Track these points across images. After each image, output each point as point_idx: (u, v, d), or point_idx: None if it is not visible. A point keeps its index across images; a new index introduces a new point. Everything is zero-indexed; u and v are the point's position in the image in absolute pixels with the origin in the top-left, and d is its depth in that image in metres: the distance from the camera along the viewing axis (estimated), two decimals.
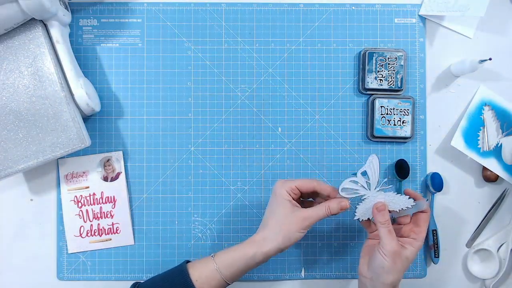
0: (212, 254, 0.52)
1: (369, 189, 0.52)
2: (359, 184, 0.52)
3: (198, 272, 0.50)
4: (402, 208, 0.52)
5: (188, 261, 0.53)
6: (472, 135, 0.64)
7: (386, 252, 0.48)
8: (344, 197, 0.51)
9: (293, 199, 0.52)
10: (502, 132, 0.64)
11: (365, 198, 0.52)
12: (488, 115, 0.65)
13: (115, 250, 0.63)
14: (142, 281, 0.53)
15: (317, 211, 0.50)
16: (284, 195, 0.51)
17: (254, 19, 0.65)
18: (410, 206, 0.51)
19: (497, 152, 0.64)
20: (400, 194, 0.52)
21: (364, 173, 0.53)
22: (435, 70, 0.66)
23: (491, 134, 0.64)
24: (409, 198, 0.51)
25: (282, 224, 0.50)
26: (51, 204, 0.63)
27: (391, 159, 0.64)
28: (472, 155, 0.63)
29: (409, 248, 0.49)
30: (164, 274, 0.52)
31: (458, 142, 0.63)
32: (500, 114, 0.65)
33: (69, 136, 0.56)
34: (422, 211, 0.52)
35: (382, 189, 0.52)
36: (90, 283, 0.63)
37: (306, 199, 0.57)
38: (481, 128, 0.64)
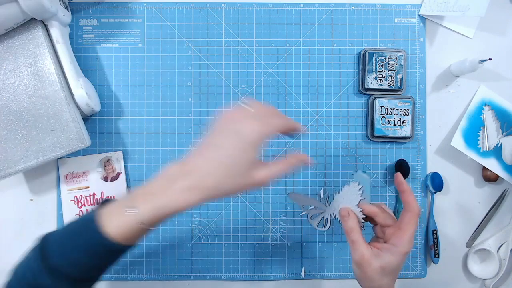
0: (129, 203, 0.39)
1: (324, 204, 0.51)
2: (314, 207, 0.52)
3: (118, 228, 0.39)
4: (360, 200, 0.47)
5: (98, 207, 0.41)
6: (472, 135, 0.64)
7: (353, 261, 0.44)
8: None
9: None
10: (502, 132, 0.64)
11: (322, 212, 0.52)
12: (488, 115, 0.65)
13: None
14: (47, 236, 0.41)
15: (278, 170, 0.41)
16: (258, 143, 0.39)
17: (254, 19, 0.65)
18: (360, 195, 0.47)
19: (497, 152, 0.64)
20: (348, 185, 0.48)
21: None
22: (435, 70, 0.66)
23: (491, 134, 0.64)
24: (359, 186, 0.47)
25: (237, 180, 0.38)
26: (51, 204, 0.63)
27: (391, 159, 0.64)
28: (472, 155, 0.63)
29: (385, 256, 0.43)
30: (74, 230, 0.40)
31: (458, 142, 0.63)
32: (500, 114, 0.65)
33: (69, 136, 0.56)
34: (408, 212, 0.45)
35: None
36: None
37: None
38: (481, 128, 0.64)
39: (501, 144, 0.64)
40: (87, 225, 0.40)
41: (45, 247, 0.40)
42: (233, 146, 0.38)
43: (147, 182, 0.40)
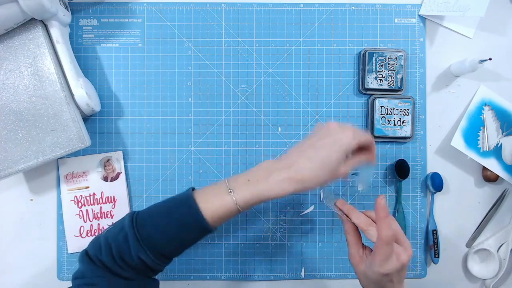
0: (228, 186, 0.45)
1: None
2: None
3: (213, 208, 0.44)
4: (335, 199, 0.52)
5: (193, 189, 0.47)
6: (472, 135, 0.64)
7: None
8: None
9: None
10: (502, 132, 0.64)
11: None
12: (488, 115, 0.65)
13: None
14: (139, 212, 0.47)
15: (354, 163, 0.48)
16: (349, 150, 0.46)
17: (254, 19, 0.65)
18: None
19: (497, 152, 0.64)
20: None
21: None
22: (435, 70, 0.66)
23: (491, 134, 0.64)
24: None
25: (329, 176, 0.45)
26: (51, 204, 0.63)
27: (391, 159, 0.64)
28: (472, 155, 0.63)
29: (365, 266, 0.45)
30: (167, 206, 0.46)
31: (458, 142, 0.63)
32: (500, 114, 0.65)
33: (69, 136, 0.56)
34: (378, 239, 0.43)
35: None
36: None
37: None
38: (481, 128, 0.64)
39: (501, 144, 0.64)
40: (184, 202, 0.45)
41: (138, 218, 0.45)
42: (332, 149, 0.45)
43: (243, 173, 0.47)
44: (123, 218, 0.46)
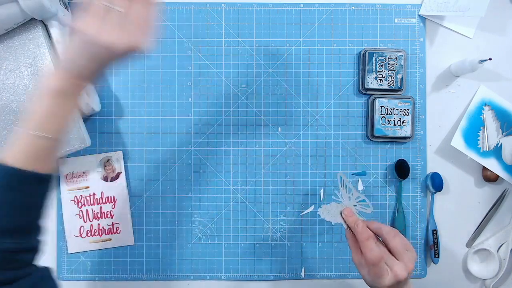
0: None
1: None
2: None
3: (13, 152, 0.37)
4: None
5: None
6: (472, 135, 0.64)
7: None
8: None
9: None
10: (502, 132, 0.64)
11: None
12: (488, 115, 0.65)
13: (115, 250, 0.63)
14: None
15: None
16: None
17: (254, 19, 0.65)
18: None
19: (497, 152, 0.64)
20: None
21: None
22: (435, 70, 0.66)
23: (491, 134, 0.64)
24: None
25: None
26: (51, 204, 0.63)
27: (391, 159, 0.64)
28: (472, 155, 0.63)
29: (363, 272, 0.46)
30: None
31: (458, 142, 0.63)
32: (500, 114, 0.65)
33: (69, 136, 0.56)
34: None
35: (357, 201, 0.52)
36: (90, 283, 0.63)
37: None
38: (481, 128, 0.64)
39: (501, 144, 0.64)
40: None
41: None
42: None
43: None
44: None
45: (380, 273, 0.43)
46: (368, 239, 0.44)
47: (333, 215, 0.52)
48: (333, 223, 0.54)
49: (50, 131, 0.38)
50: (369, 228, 0.47)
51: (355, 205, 0.52)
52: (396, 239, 0.45)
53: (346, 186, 0.53)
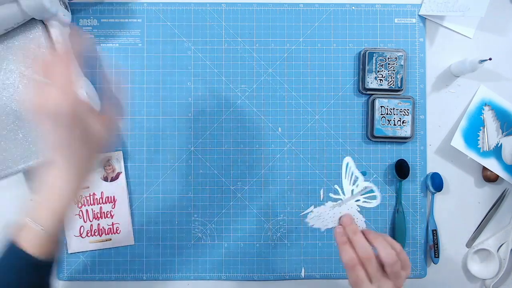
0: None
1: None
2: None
3: (20, 234, 0.41)
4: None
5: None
6: (472, 135, 0.64)
7: None
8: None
9: None
10: (502, 132, 0.64)
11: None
12: (488, 115, 0.65)
13: (115, 250, 0.63)
14: None
15: None
16: None
17: (254, 19, 0.65)
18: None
19: (497, 152, 0.64)
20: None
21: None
22: (435, 70, 0.66)
23: (491, 134, 0.64)
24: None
25: None
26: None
27: (391, 159, 0.64)
28: (472, 155, 0.63)
29: None
30: None
31: (458, 142, 0.63)
32: (500, 114, 0.65)
33: None
34: None
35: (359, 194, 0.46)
36: (90, 283, 0.63)
37: None
38: (481, 128, 0.64)
39: (501, 144, 0.64)
40: (6, 245, 0.42)
41: None
42: None
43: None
44: None
45: (356, 279, 0.43)
46: (345, 243, 0.44)
47: (324, 220, 0.47)
48: (322, 229, 0.49)
49: (50, 226, 0.42)
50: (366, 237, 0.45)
51: (357, 200, 0.46)
52: (386, 250, 0.42)
53: (352, 175, 0.45)
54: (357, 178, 0.45)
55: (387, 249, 0.42)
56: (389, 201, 0.64)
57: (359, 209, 0.46)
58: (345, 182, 0.46)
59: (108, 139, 0.45)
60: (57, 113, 0.40)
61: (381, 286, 0.42)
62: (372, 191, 0.45)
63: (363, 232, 0.45)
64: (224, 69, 0.64)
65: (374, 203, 0.45)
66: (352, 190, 0.46)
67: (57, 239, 0.44)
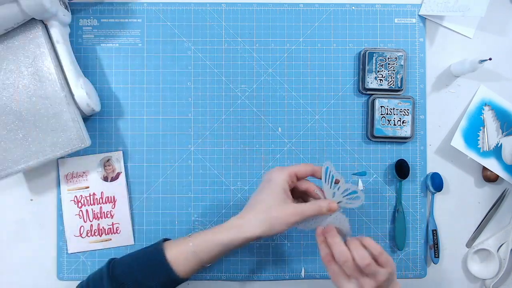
0: (189, 234, 0.50)
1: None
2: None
3: (174, 252, 0.49)
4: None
5: (166, 239, 0.52)
6: (472, 135, 0.64)
7: None
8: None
9: (289, 188, 0.50)
10: (502, 132, 0.64)
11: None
12: (488, 115, 0.65)
13: (115, 250, 0.63)
14: (117, 258, 0.51)
15: (308, 209, 0.48)
16: (281, 183, 0.48)
17: (254, 19, 0.65)
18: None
19: (497, 152, 0.64)
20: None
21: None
22: (435, 70, 0.66)
23: (491, 134, 0.64)
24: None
25: (271, 213, 0.47)
26: (51, 204, 0.63)
27: (391, 159, 0.64)
28: (472, 155, 0.63)
29: None
30: (141, 251, 0.51)
31: (458, 142, 0.63)
32: (500, 114, 0.65)
33: (69, 136, 0.56)
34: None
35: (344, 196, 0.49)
36: None
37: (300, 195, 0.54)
38: (481, 128, 0.64)
39: (501, 144, 0.64)
40: (153, 248, 0.50)
41: (113, 262, 0.50)
42: (266, 191, 0.49)
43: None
44: (104, 266, 0.50)
45: (337, 274, 0.47)
46: (321, 242, 0.48)
47: (307, 222, 0.50)
48: (306, 230, 0.53)
49: (206, 261, 0.49)
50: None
51: (340, 202, 0.49)
52: (358, 252, 0.45)
53: (332, 178, 0.49)
54: (338, 181, 0.49)
55: (360, 251, 0.45)
56: (389, 201, 0.64)
57: (341, 210, 0.49)
58: (326, 186, 0.49)
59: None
60: None
61: (361, 283, 0.45)
62: (354, 191, 0.48)
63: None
64: (224, 69, 0.64)
65: (357, 203, 0.49)
66: (334, 193, 0.49)
67: (202, 268, 0.50)
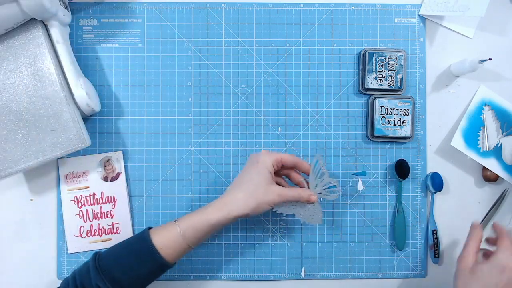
0: (175, 219, 0.51)
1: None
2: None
3: (161, 238, 0.50)
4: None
5: (150, 228, 0.53)
6: (472, 135, 0.64)
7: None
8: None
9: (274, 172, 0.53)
10: (502, 132, 0.64)
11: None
12: (488, 115, 0.65)
13: None
14: (102, 250, 0.52)
15: (291, 193, 0.52)
16: (268, 165, 0.51)
17: (254, 19, 0.65)
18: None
19: (497, 152, 0.64)
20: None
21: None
22: (435, 70, 0.66)
23: (491, 134, 0.64)
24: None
25: (257, 191, 0.50)
26: (51, 204, 0.63)
27: (391, 159, 0.64)
28: (472, 155, 0.63)
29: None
30: (127, 241, 0.52)
31: (458, 142, 0.63)
32: (500, 114, 0.65)
33: (69, 136, 0.56)
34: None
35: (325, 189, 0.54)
36: None
37: (281, 176, 0.57)
38: (481, 128, 0.64)
39: (501, 144, 0.64)
40: (140, 236, 0.51)
41: (101, 253, 0.51)
42: (252, 172, 0.52)
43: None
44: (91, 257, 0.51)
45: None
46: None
47: (287, 207, 0.54)
48: (284, 214, 0.56)
49: (194, 243, 0.51)
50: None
51: (319, 193, 0.54)
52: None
53: (319, 171, 0.54)
54: (323, 174, 0.54)
55: None
56: (389, 201, 0.64)
57: (320, 200, 0.55)
58: (312, 177, 0.54)
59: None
60: None
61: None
62: (334, 186, 0.54)
63: None
64: (224, 69, 0.64)
65: (333, 197, 0.54)
66: (316, 184, 0.54)
67: (189, 251, 0.51)
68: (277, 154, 0.53)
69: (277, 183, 0.55)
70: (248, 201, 0.49)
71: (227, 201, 0.50)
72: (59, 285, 0.50)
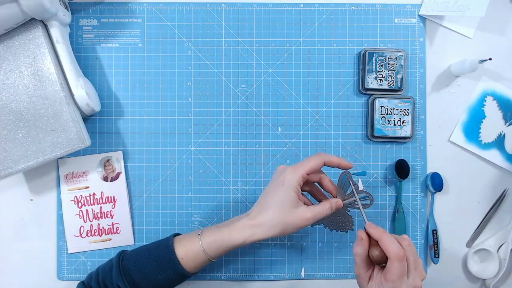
0: (199, 232, 0.51)
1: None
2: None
3: (184, 248, 0.50)
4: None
5: (176, 234, 0.54)
6: (472, 128, 0.64)
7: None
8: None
9: (300, 187, 0.51)
10: (506, 122, 0.64)
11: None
12: (490, 105, 0.64)
13: (115, 250, 0.63)
14: (128, 250, 0.54)
15: (319, 212, 0.50)
16: (293, 185, 0.49)
17: (254, 19, 0.65)
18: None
19: (499, 142, 0.64)
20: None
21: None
22: (435, 70, 0.66)
23: (494, 124, 0.64)
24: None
25: (284, 218, 0.48)
26: (51, 204, 0.63)
27: (391, 159, 0.64)
28: (472, 148, 0.63)
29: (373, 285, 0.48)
30: (151, 246, 0.53)
31: (457, 137, 0.63)
32: (503, 104, 0.64)
33: (69, 136, 0.56)
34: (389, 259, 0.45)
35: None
36: None
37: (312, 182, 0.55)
38: (483, 120, 0.64)
39: (504, 134, 0.64)
40: (163, 243, 0.52)
41: (125, 253, 0.52)
42: (278, 191, 0.50)
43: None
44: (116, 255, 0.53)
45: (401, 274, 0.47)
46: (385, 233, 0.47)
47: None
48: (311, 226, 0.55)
49: (216, 258, 0.51)
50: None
51: (349, 204, 0.53)
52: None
53: (347, 187, 0.52)
54: (351, 190, 0.52)
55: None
56: (389, 201, 0.64)
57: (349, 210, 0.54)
58: (340, 191, 0.53)
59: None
60: None
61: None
62: (366, 196, 0.52)
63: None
64: (224, 69, 0.64)
65: (366, 206, 0.52)
66: (345, 199, 0.53)
67: (210, 262, 0.51)
68: (302, 169, 0.49)
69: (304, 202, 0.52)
70: (274, 226, 0.48)
71: (253, 224, 0.49)
72: (83, 279, 0.53)
